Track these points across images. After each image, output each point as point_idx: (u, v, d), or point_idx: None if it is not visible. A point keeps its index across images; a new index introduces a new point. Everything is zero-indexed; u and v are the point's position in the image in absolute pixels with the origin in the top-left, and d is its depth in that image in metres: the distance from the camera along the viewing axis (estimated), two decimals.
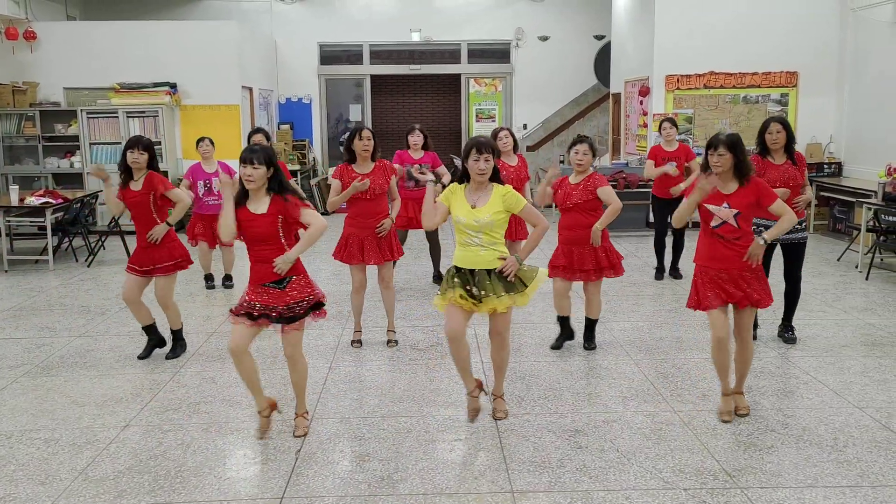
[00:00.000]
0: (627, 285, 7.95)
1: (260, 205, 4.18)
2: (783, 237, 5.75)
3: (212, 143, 7.92)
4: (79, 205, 9.53)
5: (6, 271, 8.95)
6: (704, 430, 4.40)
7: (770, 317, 6.40)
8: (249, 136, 7.23)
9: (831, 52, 11.30)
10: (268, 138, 7.28)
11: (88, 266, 9.19)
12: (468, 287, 4.29)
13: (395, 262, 6.11)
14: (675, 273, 8.31)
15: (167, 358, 5.77)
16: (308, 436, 4.38)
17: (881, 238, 8.28)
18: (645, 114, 11.73)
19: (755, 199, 4.37)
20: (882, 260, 8.77)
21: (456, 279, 4.33)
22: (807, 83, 11.38)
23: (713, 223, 4.41)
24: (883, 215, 8.13)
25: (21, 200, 9.07)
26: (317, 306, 4.32)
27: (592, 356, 5.73)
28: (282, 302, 4.19)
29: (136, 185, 5.54)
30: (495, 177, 4.33)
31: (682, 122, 11.26)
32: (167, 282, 5.68)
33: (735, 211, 4.35)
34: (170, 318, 5.80)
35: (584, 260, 5.62)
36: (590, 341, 5.92)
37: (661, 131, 8.22)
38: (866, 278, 8.13)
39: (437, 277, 8.09)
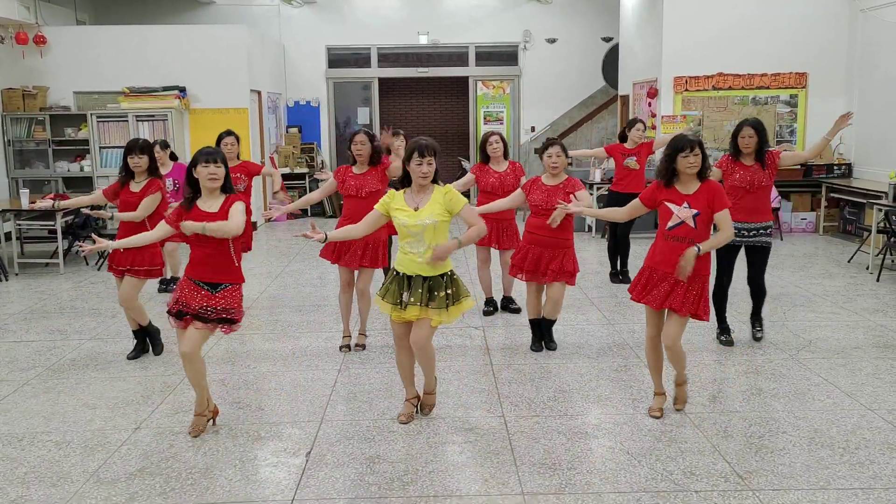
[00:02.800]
0: None
1: (213, 203, 4.29)
2: (748, 239, 5.81)
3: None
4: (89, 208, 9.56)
5: (17, 274, 8.99)
6: (715, 432, 4.38)
7: (777, 319, 6.37)
8: (219, 139, 6.99)
9: (840, 53, 11.26)
10: (238, 140, 7.19)
11: (98, 269, 9.23)
12: (402, 292, 4.33)
13: (386, 270, 6.13)
14: (626, 277, 8.15)
15: (155, 354, 5.90)
16: (318, 438, 4.39)
17: (892, 239, 8.24)
18: (653, 116, 11.70)
19: (708, 201, 4.38)
20: (893, 261, 8.72)
21: (392, 284, 4.38)
22: (816, 84, 11.34)
23: (670, 223, 4.41)
24: (894, 216, 8.09)
25: (32, 204, 9.12)
26: (230, 321, 4.35)
27: (601, 358, 5.72)
28: (205, 302, 4.28)
29: (137, 187, 5.72)
30: (435, 178, 4.34)
31: (691, 123, 11.23)
32: (137, 284, 5.71)
33: (695, 211, 4.37)
34: (136, 317, 5.82)
35: (552, 261, 5.62)
36: (551, 341, 5.97)
37: (635, 131, 8.20)
38: (877, 280, 8.09)
39: None
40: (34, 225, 9.53)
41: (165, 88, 11.87)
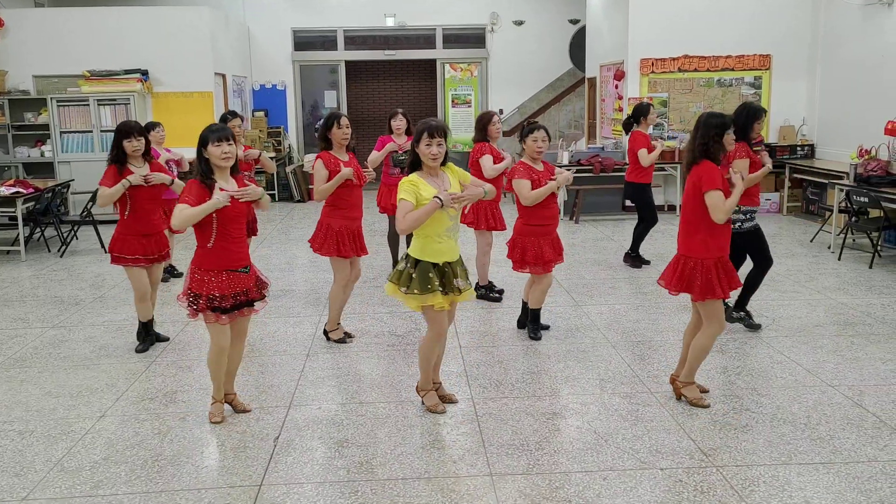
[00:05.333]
0: (604, 268, 7.99)
1: (229, 184, 4.19)
2: (740, 228, 5.62)
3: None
4: (50, 194, 9.39)
5: None
6: (680, 411, 4.44)
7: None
8: (226, 121, 6.85)
9: (804, 35, 11.38)
10: (242, 120, 7.09)
11: (61, 256, 9.07)
12: (453, 284, 4.22)
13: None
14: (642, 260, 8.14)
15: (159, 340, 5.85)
16: (286, 423, 4.37)
17: (853, 219, 8.38)
18: (620, 98, 11.75)
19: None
20: (854, 240, 8.88)
21: (436, 279, 4.16)
22: (780, 66, 11.46)
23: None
24: (855, 196, 8.23)
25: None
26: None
27: (570, 339, 5.76)
28: (250, 284, 4.28)
29: (144, 170, 5.47)
30: (445, 159, 4.23)
31: (658, 105, 11.30)
32: (161, 267, 5.82)
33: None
34: (152, 306, 5.78)
35: (560, 245, 5.68)
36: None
37: (650, 117, 7.92)
38: (839, 258, 8.23)
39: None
40: None
41: (127, 71, 11.67)
